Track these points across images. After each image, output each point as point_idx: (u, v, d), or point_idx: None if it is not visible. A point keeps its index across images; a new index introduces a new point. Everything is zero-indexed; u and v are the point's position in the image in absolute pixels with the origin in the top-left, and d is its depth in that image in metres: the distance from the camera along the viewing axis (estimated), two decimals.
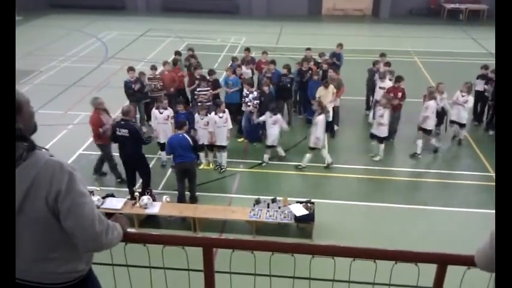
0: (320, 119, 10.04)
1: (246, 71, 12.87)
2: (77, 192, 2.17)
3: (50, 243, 2.25)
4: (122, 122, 8.77)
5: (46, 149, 2.23)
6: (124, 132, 8.66)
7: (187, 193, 9.19)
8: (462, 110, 11.42)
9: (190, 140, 8.83)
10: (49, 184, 2.12)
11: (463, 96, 11.36)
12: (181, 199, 9.04)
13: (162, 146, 10.43)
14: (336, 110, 11.98)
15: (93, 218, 2.21)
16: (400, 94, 11.50)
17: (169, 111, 10.35)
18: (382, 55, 13.40)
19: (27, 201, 2.10)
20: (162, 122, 10.22)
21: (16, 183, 2.05)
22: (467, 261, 2.39)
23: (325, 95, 11.47)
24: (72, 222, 2.17)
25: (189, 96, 12.61)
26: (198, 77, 11.92)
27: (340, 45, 14.25)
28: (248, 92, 11.35)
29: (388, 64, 13.03)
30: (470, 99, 11.39)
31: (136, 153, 8.87)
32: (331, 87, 11.63)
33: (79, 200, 2.17)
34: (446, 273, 2.57)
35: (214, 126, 10.11)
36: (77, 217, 2.17)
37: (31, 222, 2.15)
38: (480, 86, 12.56)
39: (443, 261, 2.52)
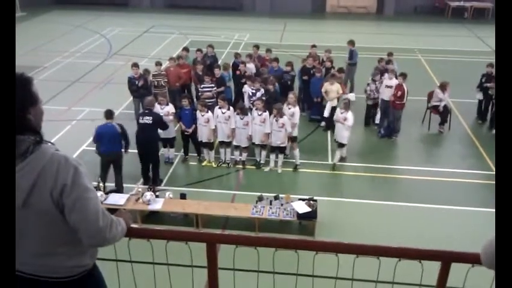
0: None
1: (249, 66, 12.81)
2: (82, 186, 2.18)
3: (54, 238, 2.26)
4: (146, 111, 9.61)
5: (52, 143, 2.24)
6: (147, 119, 9.38)
7: (110, 184, 9.17)
8: (342, 129, 10.21)
9: (118, 129, 8.94)
10: (54, 178, 2.12)
11: (341, 113, 10.21)
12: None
13: (163, 142, 10.49)
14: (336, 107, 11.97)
15: (97, 213, 2.21)
16: (400, 93, 11.43)
17: (170, 107, 10.38)
18: (390, 54, 13.31)
19: (33, 195, 2.10)
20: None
21: (22, 176, 2.06)
22: (471, 259, 2.38)
23: (330, 91, 11.60)
24: (77, 217, 2.18)
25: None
26: (200, 73, 11.92)
27: (351, 42, 14.19)
28: (255, 90, 11.17)
29: (389, 62, 12.93)
30: (350, 116, 10.10)
31: (152, 139, 9.52)
32: (337, 84, 11.64)
33: (84, 195, 2.18)
34: (450, 271, 2.56)
35: (216, 120, 10.10)
36: (81, 212, 2.17)
37: (36, 216, 2.16)
38: (481, 96, 12.57)
39: (447, 259, 2.51)
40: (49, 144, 2.21)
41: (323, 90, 11.74)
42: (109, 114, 9.07)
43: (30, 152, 2.10)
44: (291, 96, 10.43)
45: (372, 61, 13.56)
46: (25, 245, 2.20)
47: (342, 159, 10.63)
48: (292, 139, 10.29)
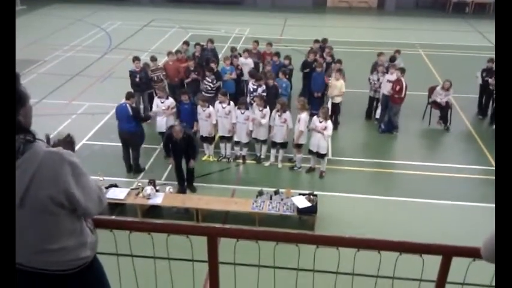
0: None
1: (245, 61, 12.74)
2: (81, 177, 2.25)
3: (53, 234, 2.27)
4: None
5: (42, 140, 2.22)
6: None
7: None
8: (321, 139, 9.67)
9: (130, 110, 9.46)
10: (53, 178, 2.12)
11: (320, 122, 9.66)
12: (126, 164, 9.93)
13: (162, 136, 10.51)
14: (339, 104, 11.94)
15: (96, 191, 2.40)
16: (398, 87, 11.39)
17: (170, 101, 10.36)
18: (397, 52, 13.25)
19: (29, 194, 2.09)
20: (162, 112, 10.27)
21: (16, 177, 2.03)
22: (472, 253, 2.39)
23: (334, 87, 11.56)
24: (84, 199, 2.28)
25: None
26: (191, 68, 11.88)
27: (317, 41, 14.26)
28: (256, 86, 11.09)
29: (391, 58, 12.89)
30: (329, 125, 9.69)
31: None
32: (341, 81, 11.55)
33: (85, 180, 2.29)
34: (450, 265, 2.56)
35: (216, 115, 10.08)
36: (88, 194, 2.30)
37: (34, 214, 2.16)
38: (480, 79, 12.53)
39: (448, 253, 2.51)
40: (39, 142, 2.18)
41: (330, 84, 11.66)
42: (127, 94, 9.77)
43: (22, 152, 2.07)
44: (297, 103, 10.00)
45: (372, 56, 13.50)
46: (24, 243, 2.19)
47: (320, 174, 9.99)
48: (297, 145, 10.02)
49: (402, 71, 11.47)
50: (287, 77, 11.84)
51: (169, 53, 12.60)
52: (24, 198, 2.08)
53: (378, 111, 12.39)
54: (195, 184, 9.47)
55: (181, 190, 9.20)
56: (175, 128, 8.83)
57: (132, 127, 9.63)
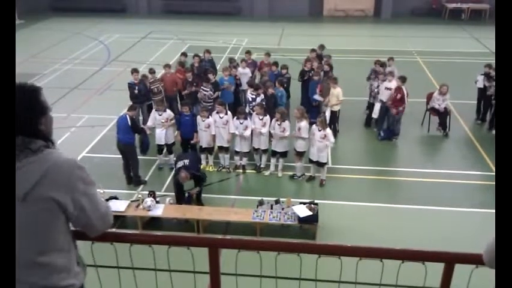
0: None
1: (243, 71, 12.79)
2: (91, 187, 2.31)
3: (43, 242, 2.19)
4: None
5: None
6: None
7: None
8: (321, 147, 9.65)
9: (129, 121, 9.42)
10: (63, 183, 2.16)
11: (319, 131, 9.69)
12: (126, 175, 9.91)
13: (160, 148, 10.51)
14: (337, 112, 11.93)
15: (104, 204, 2.42)
16: (399, 95, 11.41)
17: (168, 114, 10.37)
18: (390, 59, 13.28)
19: (36, 188, 2.10)
20: (160, 124, 10.27)
21: (32, 168, 2.10)
22: (474, 260, 2.37)
23: (331, 95, 11.54)
24: (90, 208, 2.30)
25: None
26: (189, 80, 11.91)
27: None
28: (254, 96, 11.10)
29: (383, 65, 12.90)
30: (328, 132, 9.68)
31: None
32: (338, 89, 11.57)
33: (94, 191, 2.33)
34: (453, 272, 2.55)
35: (214, 125, 10.10)
36: (94, 205, 2.32)
37: (34, 211, 2.12)
38: (481, 83, 12.56)
39: (450, 260, 2.50)
40: (58, 150, 2.28)
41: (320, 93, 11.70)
42: (129, 107, 9.88)
43: (41, 151, 2.16)
44: (296, 112, 10.00)
45: (369, 64, 13.56)
46: (18, 247, 2.08)
47: (321, 182, 10.00)
48: (298, 154, 10.04)
49: (403, 79, 11.51)
50: (285, 85, 11.86)
51: (165, 66, 12.60)
52: (32, 190, 2.09)
53: (376, 110, 12.31)
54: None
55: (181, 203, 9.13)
56: (181, 175, 8.55)
57: (128, 138, 9.62)
